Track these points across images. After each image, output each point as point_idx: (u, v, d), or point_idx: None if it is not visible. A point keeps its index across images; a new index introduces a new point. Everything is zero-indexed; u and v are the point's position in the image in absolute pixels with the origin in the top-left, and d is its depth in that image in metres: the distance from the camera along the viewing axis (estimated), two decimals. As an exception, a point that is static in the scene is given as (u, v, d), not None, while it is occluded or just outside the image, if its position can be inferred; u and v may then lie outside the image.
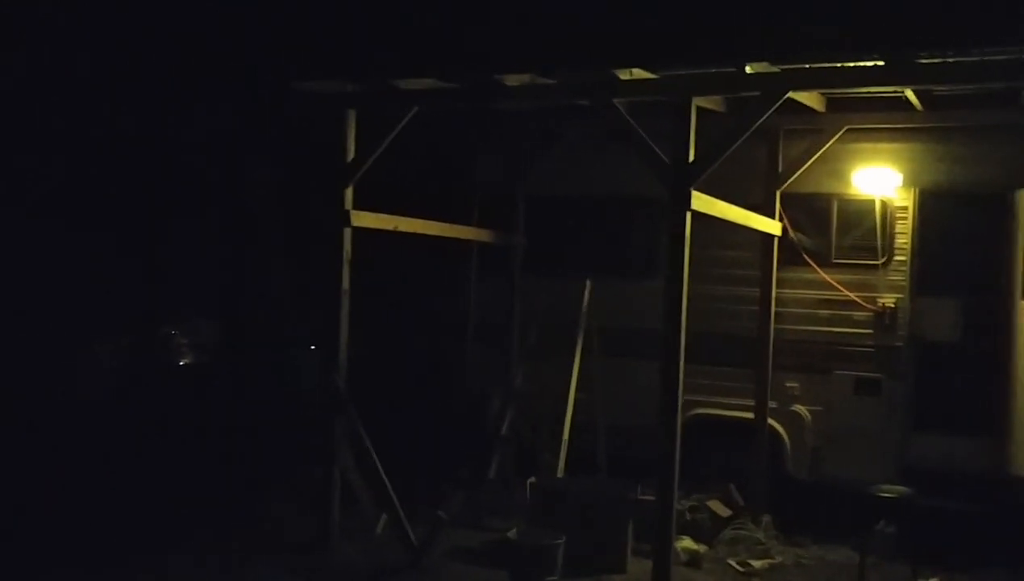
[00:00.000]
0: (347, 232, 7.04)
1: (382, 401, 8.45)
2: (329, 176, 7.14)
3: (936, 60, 5.73)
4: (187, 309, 11.87)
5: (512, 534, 6.59)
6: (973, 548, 7.25)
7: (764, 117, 6.03)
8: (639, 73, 6.17)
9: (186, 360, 11.72)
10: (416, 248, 8.48)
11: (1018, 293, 7.49)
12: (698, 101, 6.22)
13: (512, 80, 6.54)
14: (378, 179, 7.58)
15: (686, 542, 7.18)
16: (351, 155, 7.09)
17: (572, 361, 8.08)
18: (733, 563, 7.10)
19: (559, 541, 6.40)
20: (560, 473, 7.76)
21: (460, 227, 8.40)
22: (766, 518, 7.76)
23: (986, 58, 5.67)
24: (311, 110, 7.86)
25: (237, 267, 11.92)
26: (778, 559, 7.21)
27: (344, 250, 7.03)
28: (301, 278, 11.18)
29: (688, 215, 6.00)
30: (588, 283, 8.26)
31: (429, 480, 8.07)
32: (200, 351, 11.74)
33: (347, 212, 7.00)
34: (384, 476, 6.90)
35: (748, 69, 5.95)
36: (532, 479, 7.47)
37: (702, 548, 7.23)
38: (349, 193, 7.07)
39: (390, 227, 7.29)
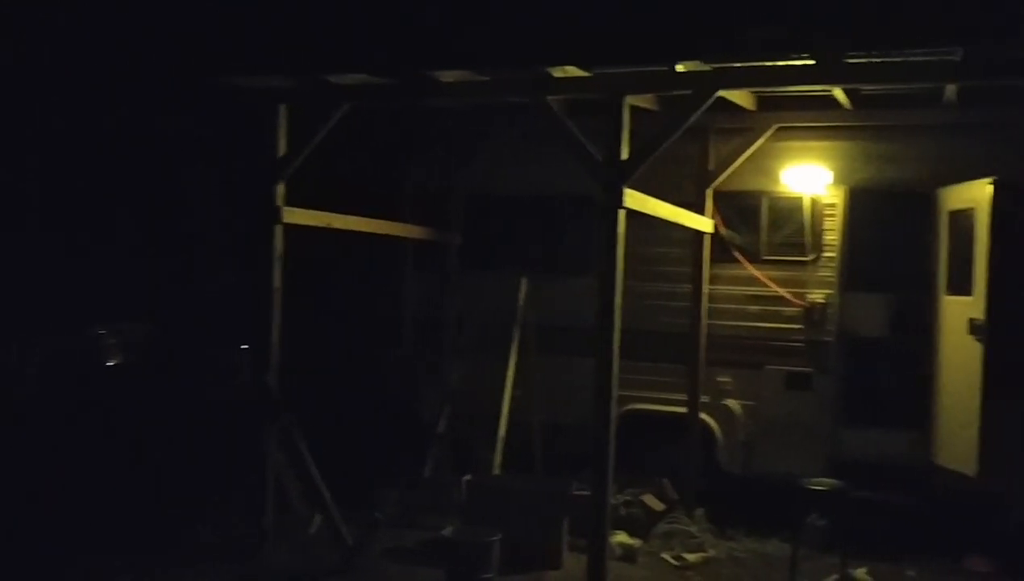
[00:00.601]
0: (278, 229, 6.93)
1: (315, 400, 8.34)
2: (260, 173, 7.02)
3: (863, 60, 5.84)
4: (116, 309, 11.59)
5: (448, 532, 6.56)
6: (900, 538, 7.43)
7: (695, 115, 6.08)
8: (572, 71, 6.18)
9: (115, 360, 11.44)
10: (350, 245, 8.39)
11: (943, 289, 7.70)
12: (631, 99, 6.24)
13: (446, 76, 6.50)
14: (312, 176, 7.49)
15: (621, 537, 7.24)
16: (282, 151, 6.99)
17: (508, 358, 8.08)
18: (667, 557, 7.18)
19: (494, 538, 6.39)
20: (496, 470, 7.76)
21: (394, 224, 8.33)
22: (699, 512, 7.86)
23: (911, 59, 5.80)
24: (242, 106, 7.72)
25: (168, 266, 11.69)
26: (711, 552, 7.30)
27: (275, 247, 6.92)
28: (234, 276, 10.99)
29: (621, 213, 6.03)
30: (523, 280, 8.26)
31: (364, 480, 7.99)
32: (129, 351, 11.46)
33: (278, 209, 6.89)
34: (317, 476, 6.82)
35: (679, 68, 6.00)
36: (468, 477, 7.44)
37: (637, 542, 7.30)
38: (280, 190, 6.96)
39: (322, 224, 7.20)
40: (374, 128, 8.91)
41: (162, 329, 11.13)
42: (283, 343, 7.09)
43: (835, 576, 6.43)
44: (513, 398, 8.04)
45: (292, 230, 7.07)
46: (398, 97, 7.07)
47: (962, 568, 7.15)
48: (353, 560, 6.69)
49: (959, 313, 7.37)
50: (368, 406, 8.87)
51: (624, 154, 6.01)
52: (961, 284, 7.40)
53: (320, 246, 8.31)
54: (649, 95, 7.22)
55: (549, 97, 6.31)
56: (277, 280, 6.98)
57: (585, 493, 6.45)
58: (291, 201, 7.04)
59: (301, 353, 8.35)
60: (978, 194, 7.19)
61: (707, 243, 8.15)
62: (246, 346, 9.90)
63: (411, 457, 8.25)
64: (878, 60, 5.80)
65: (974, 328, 7.15)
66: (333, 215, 7.27)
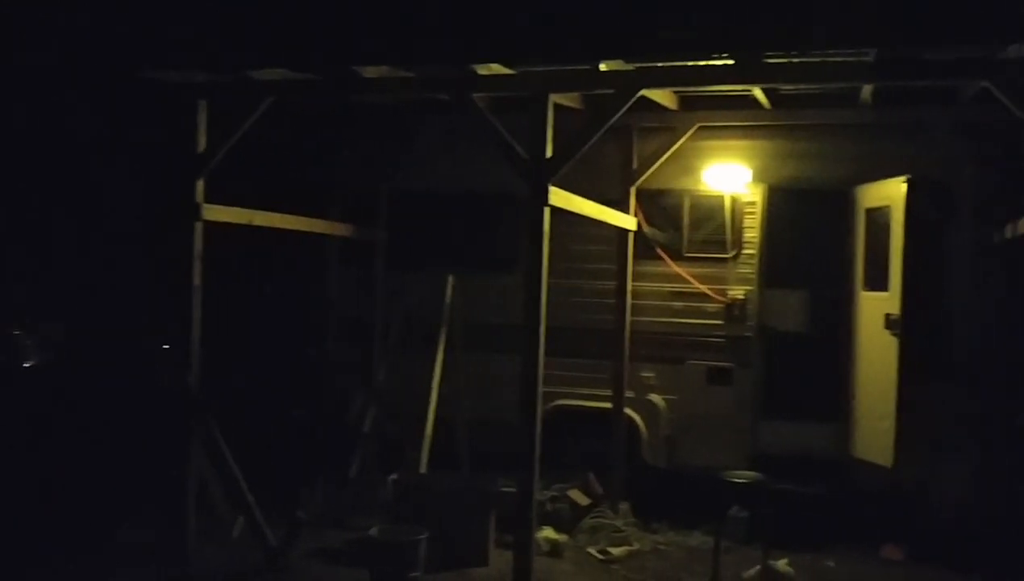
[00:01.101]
0: (198, 226, 6.80)
1: (239, 400, 8.22)
2: (179, 169, 6.88)
3: (782, 60, 5.96)
4: (33, 309, 11.26)
5: (373, 532, 6.52)
6: (819, 529, 7.61)
7: (618, 114, 6.13)
8: (497, 69, 6.18)
9: (32, 361, 11.12)
10: (274, 243, 8.27)
11: (859, 284, 7.90)
12: (555, 98, 6.28)
13: (370, 72, 6.44)
14: (236, 173, 7.37)
15: (547, 532, 7.28)
16: (202, 147, 6.86)
17: (434, 356, 8.06)
18: (593, 551, 7.24)
19: (420, 537, 6.37)
20: (423, 469, 7.73)
21: (319, 221, 8.23)
22: (624, 506, 7.95)
23: (828, 59, 5.94)
24: (161, 101, 7.56)
25: (86, 265, 11.39)
26: (636, 545, 7.39)
27: (195, 245, 6.79)
28: (154, 275, 10.76)
29: (546, 210, 6.05)
30: (450, 278, 8.25)
31: (289, 480, 7.89)
32: (47, 351, 11.16)
33: (198, 206, 6.76)
34: (240, 477, 6.72)
35: (603, 67, 6.05)
36: (394, 476, 7.41)
37: (563, 537, 7.35)
38: (200, 186, 6.83)
39: (244, 221, 7.08)
40: (300, 124, 8.80)
41: (81, 329, 10.85)
42: (205, 342, 6.96)
43: (757, 567, 6.56)
44: (440, 396, 8.03)
45: (214, 228, 6.95)
46: (321, 93, 7.01)
47: (878, 557, 7.36)
48: (277, 561, 6.61)
49: (875, 308, 7.58)
50: (293, 406, 8.76)
51: (549, 152, 6.04)
52: (877, 280, 7.61)
53: (243, 244, 8.19)
54: (574, 94, 7.27)
55: (474, 94, 6.30)
56: (197, 278, 6.85)
57: (512, 490, 6.48)
58: (214, 198, 6.92)
59: (224, 353, 8.22)
60: (893, 192, 7.39)
61: (631, 241, 8.23)
62: (167, 346, 9.72)
63: (337, 457, 8.17)
64: (796, 60, 5.93)
65: (890, 323, 7.35)
66: (255, 212, 7.15)
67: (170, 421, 7.07)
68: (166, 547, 6.76)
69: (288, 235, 7.85)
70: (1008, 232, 7.13)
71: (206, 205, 6.83)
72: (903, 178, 7.28)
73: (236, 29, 6.48)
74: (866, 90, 7.13)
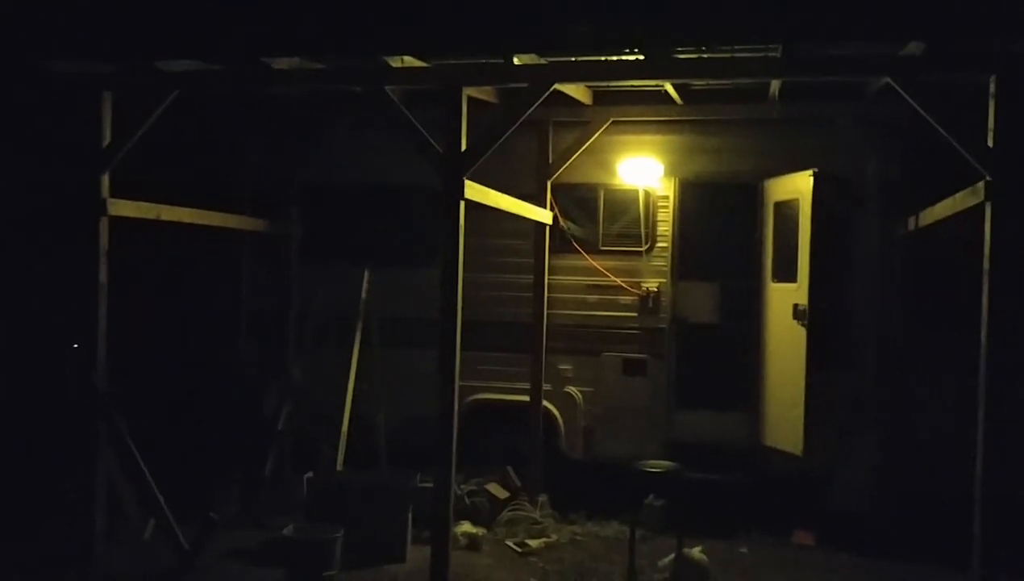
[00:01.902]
0: (103, 222, 6.61)
1: (149, 400, 8.02)
2: (84, 163, 6.67)
3: (691, 56, 6.06)
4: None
5: (288, 531, 6.43)
6: (733, 516, 7.77)
7: (532, 108, 6.14)
8: (410, 61, 6.15)
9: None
10: (185, 239, 8.09)
11: (768, 276, 8.07)
12: (470, 91, 6.28)
13: (280, 64, 6.34)
14: (144, 166, 7.18)
15: (465, 526, 7.28)
16: (107, 141, 6.66)
17: (351, 352, 7.99)
18: (511, 544, 7.27)
19: (336, 535, 6.31)
20: (340, 466, 7.66)
21: (230, 216, 8.07)
22: (542, 498, 8.00)
23: (736, 55, 6.06)
24: (64, 93, 7.32)
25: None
26: (554, 537, 7.43)
27: (100, 242, 6.60)
28: (59, 272, 10.42)
29: (462, 204, 6.04)
30: (366, 272, 8.18)
31: (202, 481, 7.74)
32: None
33: (103, 201, 6.58)
34: (150, 479, 6.56)
35: (516, 60, 6.06)
36: (310, 474, 7.32)
37: (481, 531, 7.35)
38: (105, 181, 6.64)
39: (152, 216, 6.90)
40: (211, 116, 8.61)
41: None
42: (113, 341, 6.77)
43: (672, 555, 6.65)
44: (357, 392, 7.96)
45: (121, 223, 6.76)
46: (230, 85, 6.88)
47: (790, 543, 7.54)
48: (190, 563, 6.46)
49: (784, 299, 7.75)
50: (206, 404, 8.59)
51: (463, 146, 6.03)
52: (786, 271, 7.78)
53: (152, 240, 7.99)
54: (488, 87, 7.26)
55: (387, 87, 6.25)
56: (103, 275, 6.66)
57: (429, 485, 6.45)
58: (121, 193, 6.73)
59: (134, 351, 8.01)
60: (801, 185, 7.57)
61: (547, 234, 8.28)
62: (76, 344, 9.41)
63: (252, 456, 8.03)
64: (705, 56, 6.03)
65: (798, 313, 7.53)
66: (163, 207, 6.98)
67: (77, 422, 6.87)
68: (72, 552, 6.56)
69: (199, 230, 7.69)
70: (911, 224, 7.36)
71: (112, 200, 6.65)
72: (810, 172, 7.45)
73: (142, 19, 6.31)
74: (774, 86, 7.28)
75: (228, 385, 8.75)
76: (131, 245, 7.26)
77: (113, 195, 6.69)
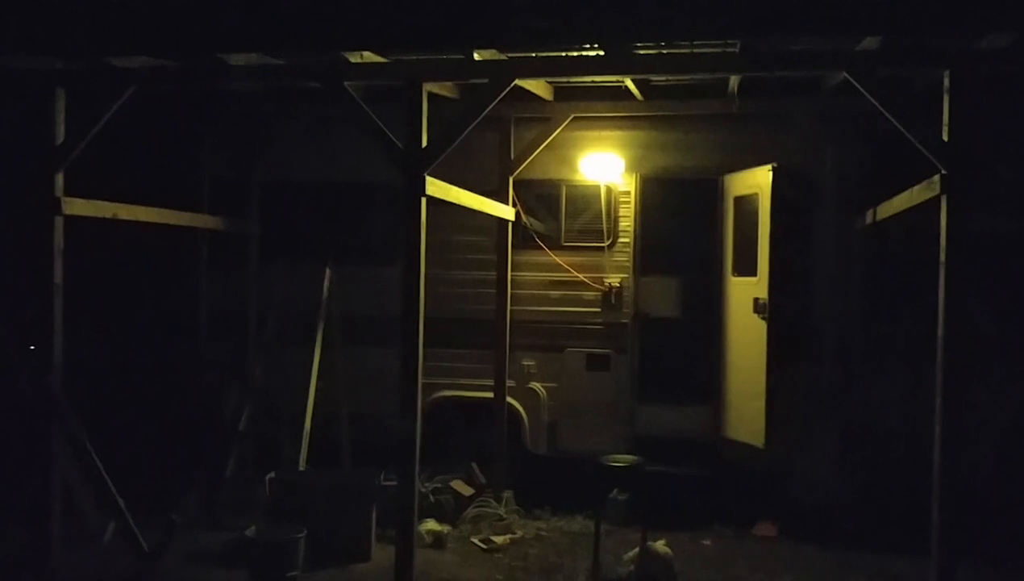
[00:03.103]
0: (58, 221, 6.49)
1: (108, 402, 7.91)
2: (37, 161, 6.55)
3: (651, 51, 6.08)
4: None
5: (250, 532, 6.37)
6: (696, 509, 7.81)
7: (493, 104, 6.11)
8: (369, 56, 6.11)
9: None
10: (142, 237, 7.97)
11: (729, 270, 8.13)
12: (430, 87, 6.23)
13: (237, 59, 6.27)
14: (100, 164, 7.07)
15: (430, 524, 7.26)
16: (61, 138, 6.55)
17: (313, 351, 7.93)
18: (476, 541, 7.26)
19: (299, 535, 6.27)
20: (303, 466, 7.60)
21: (187, 214, 7.97)
22: (507, 494, 8.00)
23: (696, 50, 6.09)
24: (16, 89, 7.17)
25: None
26: (519, 533, 7.44)
27: (55, 241, 6.49)
28: (12, 272, 10.23)
29: (423, 201, 6.01)
30: (328, 270, 8.13)
31: (163, 482, 7.64)
32: None
33: (58, 199, 6.46)
34: (109, 481, 6.46)
35: (476, 56, 6.05)
36: (271, 474, 7.25)
37: (446, 528, 7.34)
38: (60, 179, 6.52)
39: (108, 215, 6.79)
40: (167, 113, 8.49)
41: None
42: (71, 342, 6.66)
43: (637, 549, 6.67)
44: (319, 391, 7.90)
45: (77, 222, 6.65)
46: (186, 81, 6.77)
47: (752, 534, 7.60)
48: (152, 566, 6.38)
49: (745, 293, 7.81)
50: (166, 406, 8.48)
51: (424, 142, 5.99)
52: (746, 266, 7.84)
53: (108, 239, 7.87)
54: (448, 83, 7.24)
55: (346, 83, 6.19)
56: (58, 276, 6.53)
57: (393, 483, 6.43)
58: (77, 191, 6.62)
59: (91, 352, 7.89)
60: (760, 180, 7.63)
61: (510, 230, 8.27)
62: (32, 346, 9.25)
63: (213, 457, 7.94)
64: (665, 52, 6.06)
65: (758, 307, 7.59)
66: (119, 205, 6.87)
67: (33, 425, 6.74)
68: (29, 557, 6.45)
69: (157, 229, 7.59)
70: (869, 218, 7.45)
71: (67, 199, 6.54)
72: (769, 166, 7.52)
73: (95, 14, 6.18)
74: (733, 81, 7.33)
75: (188, 385, 8.65)
76: (87, 244, 7.15)
77: (68, 193, 6.57)
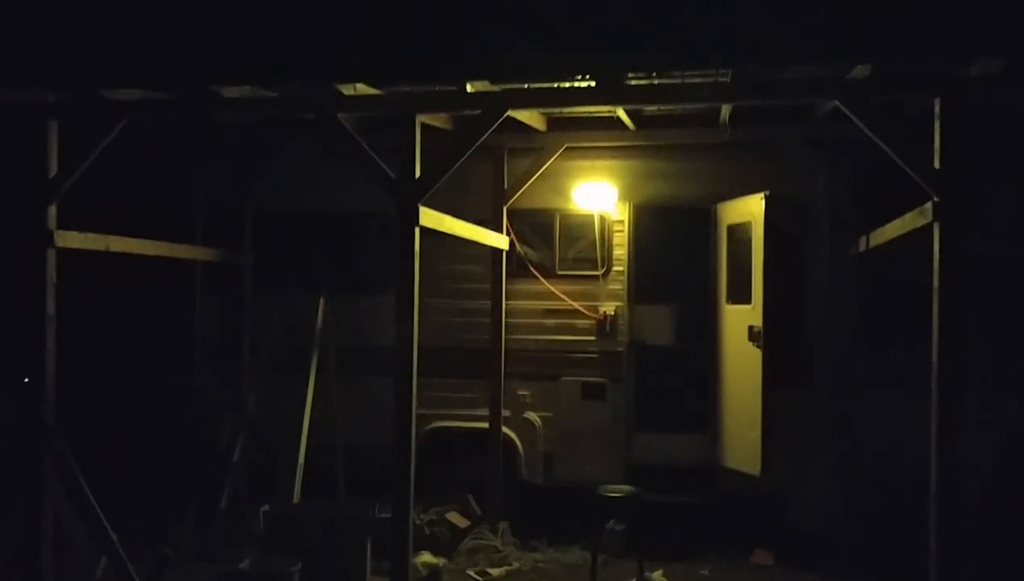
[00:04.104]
0: (51, 254, 6.48)
1: (101, 434, 7.85)
2: (30, 194, 6.54)
3: (643, 81, 6.11)
4: None
5: (244, 565, 6.31)
6: (693, 538, 7.77)
7: (486, 134, 6.13)
8: (363, 89, 6.12)
9: None
10: (136, 269, 7.94)
11: (723, 298, 8.13)
12: (423, 118, 6.25)
13: (230, 92, 6.28)
14: (93, 196, 7.05)
15: (425, 557, 7.20)
16: (53, 171, 6.54)
17: (307, 381, 7.90)
18: (472, 573, 7.20)
19: (293, 568, 6.21)
20: (297, 497, 7.54)
21: (180, 246, 7.97)
22: (503, 525, 7.95)
23: (687, 80, 6.12)
24: (8, 122, 7.17)
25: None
26: (515, 565, 7.38)
27: (48, 273, 6.46)
28: (5, 304, 10.19)
29: (416, 231, 6.00)
30: (321, 300, 8.11)
31: (156, 514, 7.58)
32: None
33: (50, 232, 6.45)
34: (101, 515, 6.40)
35: (469, 88, 6.07)
36: (266, 507, 7.19)
37: (441, 561, 7.28)
38: (52, 211, 6.50)
39: (101, 247, 6.78)
40: (160, 145, 8.51)
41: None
42: (64, 373, 6.62)
43: (633, 579, 6.63)
44: (314, 421, 7.86)
45: (70, 253, 6.63)
46: (179, 113, 6.78)
47: (749, 563, 7.56)
48: (143, 601, 6.31)
49: (739, 321, 7.81)
50: (159, 438, 8.43)
51: (418, 173, 6.00)
52: (740, 293, 7.84)
53: (102, 271, 7.84)
54: (442, 114, 7.26)
55: (340, 114, 6.20)
56: (51, 307, 6.50)
57: (389, 515, 6.38)
58: (69, 223, 6.61)
59: (85, 385, 7.83)
60: (753, 208, 7.65)
61: (504, 260, 8.27)
62: (26, 379, 9.20)
63: (206, 488, 7.88)
64: (656, 82, 6.09)
65: (753, 335, 7.58)
66: (112, 238, 6.86)
67: (24, 458, 6.68)
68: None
69: (150, 261, 7.57)
70: (862, 244, 7.46)
71: (60, 231, 6.52)
72: (761, 194, 7.54)
73: (87, 46, 6.20)
74: (725, 110, 7.37)
75: (181, 416, 8.60)
76: (81, 276, 7.11)
77: (61, 226, 6.56)
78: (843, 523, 7.56)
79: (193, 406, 8.65)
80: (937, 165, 5.56)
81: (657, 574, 6.75)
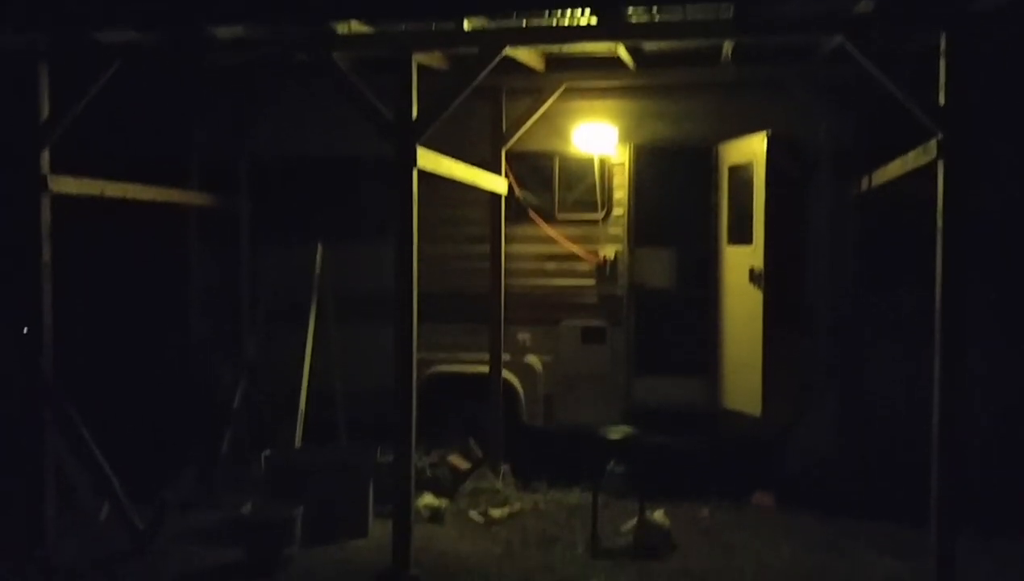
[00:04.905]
0: (45, 199, 6.42)
1: (99, 382, 7.85)
2: (22, 138, 6.46)
3: (643, 17, 5.99)
4: None
5: (247, 510, 6.34)
6: (693, 479, 7.80)
7: (484, 73, 6.03)
8: (357, 27, 6.01)
9: None
10: (132, 216, 7.88)
11: (724, 240, 8.07)
12: (419, 58, 6.15)
13: (223, 32, 6.17)
14: (87, 141, 6.97)
15: (427, 499, 7.23)
16: (45, 115, 6.45)
17: (306, 328, 7.87)
18: (474, 514, 7.24)
19: (296, 513, 6.23)
20: (298, 443, 7.56)
21: (175, 191, 7.90)
22: (504, 468, 7.99)
23: (688, 16, 6.00)
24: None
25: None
26: (517, 506, 7.41)
27: (43, 220, 6.40)
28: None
29: (415, 172, 5.94)
30: (319, 247, 8.06)
31: (157, 462, 7.60)
32: None
33: (44, 177, 6.38)
34: (103, 461, 6.42)
35: (466, 25, 5.96)
36: (267, 452, 7.21)
37: (443, 503, 7.31)
38: (46, 156, 6.43)
39: (95, 193, 6.72)
40: (155, 88, 8.38)
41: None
42: (60, 325, 6.59)
43: (634, 520, 6.66)
44: (313, 368, 7.85)
45: (64, 200, 6.57)
46: (172, 55, 6.67)
47: (749, 504, 7.59)
48: (146, 544, 6.36)
49: (740, 263, 7.76)
50: (159, 386, 8.42)
51: (415, 113, 5.91)
52: (741, 235, 7.78)
53: (97, 218, 7.79)
54: (438, 53, 7.13)
55: (335, 54, 6.10)
56: (47, 255, 6.46)
57: (390, 459, 6.40)
58: (64, 169, 6.53)
59: (81, 335, 7.81)
60: (755, 148, 7.56)
61: (503, 204, 8.20)
62: (25, 329, 9.18)
63: (207, 436, 7.90)
64: (657, 17, 5.97)
65: (754, 276, 7.54)
66: (106, 183, 6.80)
67: (24, 408, 6.68)
68: (22, 540, 6.41)
69: (146, 207, 7.51)
70: (864, 185, 7.39)
71: (53, 176, 6.45)
72: (763, 134, 7.44)
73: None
74: (727, 48, 7.23)
75: (180, 364, 8.59)
76: (75, 223, 7.06)
77: (55, 172, 6.48)
78: (844, 465, 7.59)
79: (192, 353, 8.64)
80: (942, 102, 5.48)
81: (658, 514, 6.78)
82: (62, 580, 6.00)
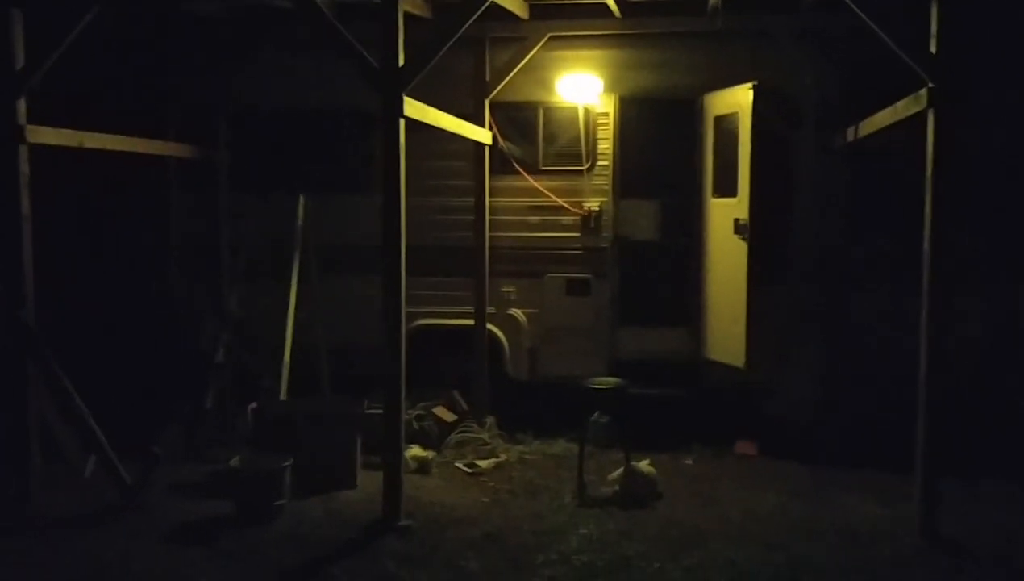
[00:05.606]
0: (22, 150, 6.28)
1: (80, 336, 7.76)
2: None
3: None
4: None
5: (235, 462, 6.32)
6: (677, 429, 7.87)
7: (469, 21, 5.94)
8: (343, -28, 5.90)
9: None
10: (111, 167, 7.73)
11: (709, 191, 8.06)
12: (405, 6, 6.04)
13: (204, -22, 6.04)
14: (63, 94, 6.82)
15: (414, 450, 7.25)
16: (20, 63, 6.30)
17: (289, 281, 7.80)
18: (461, 465, 7.27)
19: (285, 464, 6.22)
20: (283, 396, 7.53)
21: (154, 142, 7.76)
22: (490, 419, 8.01)
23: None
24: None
25: None
26: (503, 457, 7.46)
27: (21, 171, 6.28)
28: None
29: (401, 122, 5.86)
30: (302, 199, 7.96)
31: (143, 417, 7.55)
32: None
33: (21, 127, 6.24)
34: (88, 415, 6.36)
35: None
36: (253, 405, 7.18)
37: (430, 454, 7.34)
38: (22, 106, 6.29)
39: (74, 144, 6.58)
40: (135, 37, 8.20)
41: None
42: (40, 276, 6.49)
43: (620, 469, 6.71)
44: (297, 321, 7.80)
45: (42, 151, 6.44)
46: (151, 2, 6.52)
47: (733, 453, 7.68)
48: (134, 498, 6.33)
49: (725, 214, 7.76)
50: (141, 340, 8.35)
51: (401, 61, 5.82)
52: (726, 186, 7.77)
53: (75, 169, 7.64)
54: (421, 1, 7.02)
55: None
56: (26, 207, 6.35)
57: (377, 411, 6.39)
58: (37, 119, 6.39)
59: (60, 288, 7.71)
60: (740, 99, 7.52)
61: (487, 155, 8.14)
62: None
63: (191, 390, 7.85)
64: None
65: (739, 228, 7.54)
66: (85, 133, 6.66)
67: (7, 362, 6.59)
68: (9, 495, 6.37)
69: (125, 158, 7.38)
70: (850, 136, 7.39)
71: (31, 127, 6.32)
72: (749, 84, 7.40)
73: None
74: (713, -5, 7.17)
75: (161, 318, 8.51)
76: (53, 175, 6.93)
77: (32, 122, 6.34)
78: (827, 414, 7.67)
79: (172, 307, 8.55)
80: (933, 50, 5.47)
81: (644, 463, 6.84)
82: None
